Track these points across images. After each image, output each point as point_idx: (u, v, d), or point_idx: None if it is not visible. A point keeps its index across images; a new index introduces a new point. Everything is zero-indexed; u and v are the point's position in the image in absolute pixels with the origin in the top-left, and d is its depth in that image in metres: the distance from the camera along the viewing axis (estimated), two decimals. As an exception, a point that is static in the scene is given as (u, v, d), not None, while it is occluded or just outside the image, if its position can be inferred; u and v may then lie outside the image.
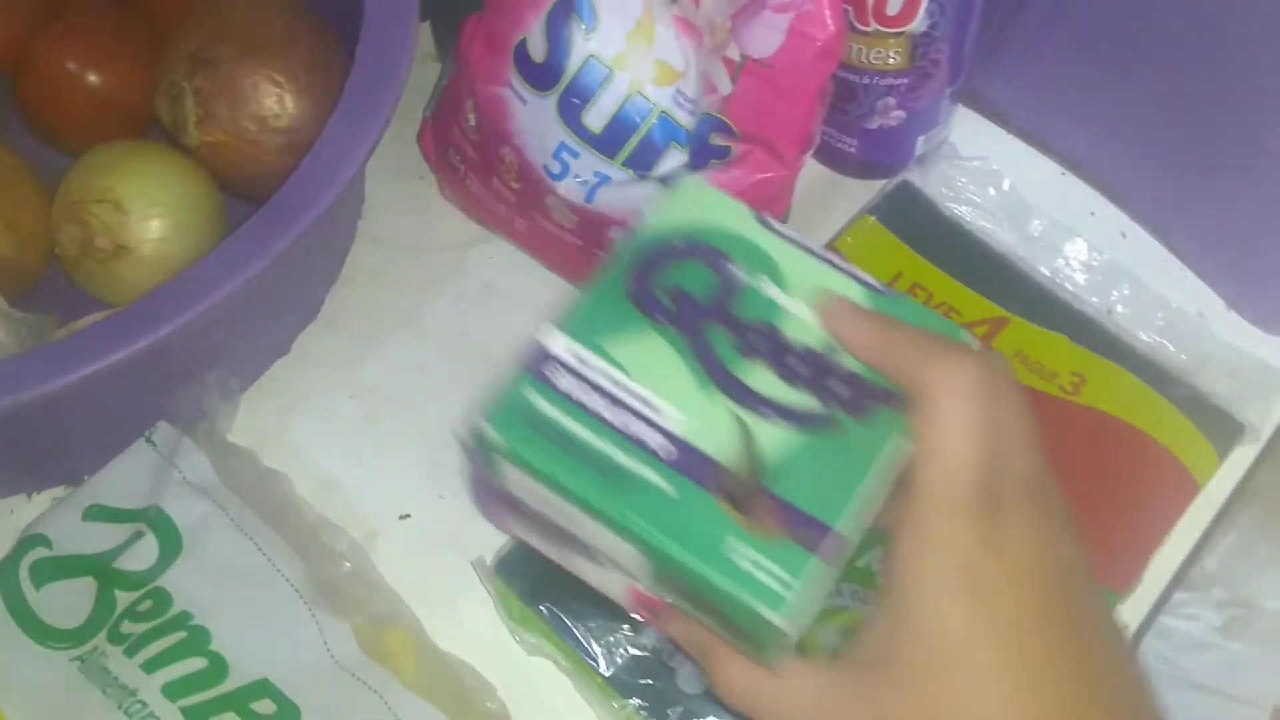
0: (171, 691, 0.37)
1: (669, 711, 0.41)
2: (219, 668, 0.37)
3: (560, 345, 0.33)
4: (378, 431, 0.50)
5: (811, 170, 0.57)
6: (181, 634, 0.38)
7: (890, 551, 0.31)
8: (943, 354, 0.31)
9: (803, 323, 0.34)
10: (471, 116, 0.49)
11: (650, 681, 0.41)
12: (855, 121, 0.54)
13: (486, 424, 0.32)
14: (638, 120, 0.46)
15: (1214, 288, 0.54)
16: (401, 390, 0.51)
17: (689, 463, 0.31)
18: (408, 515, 0.48)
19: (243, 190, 0.51)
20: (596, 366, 0.33)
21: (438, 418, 0.50)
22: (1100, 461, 0.47)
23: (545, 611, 0.42)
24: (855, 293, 0.34)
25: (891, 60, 0.50)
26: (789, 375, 0.33)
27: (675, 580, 0.32)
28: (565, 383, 0.33)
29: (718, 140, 0.45)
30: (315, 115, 0.49)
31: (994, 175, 0.53)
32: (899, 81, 0.51)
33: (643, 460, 0.31)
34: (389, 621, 0.41)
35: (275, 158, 0.49)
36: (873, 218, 0.52)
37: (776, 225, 0.35)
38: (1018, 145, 0.58)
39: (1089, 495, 0.46)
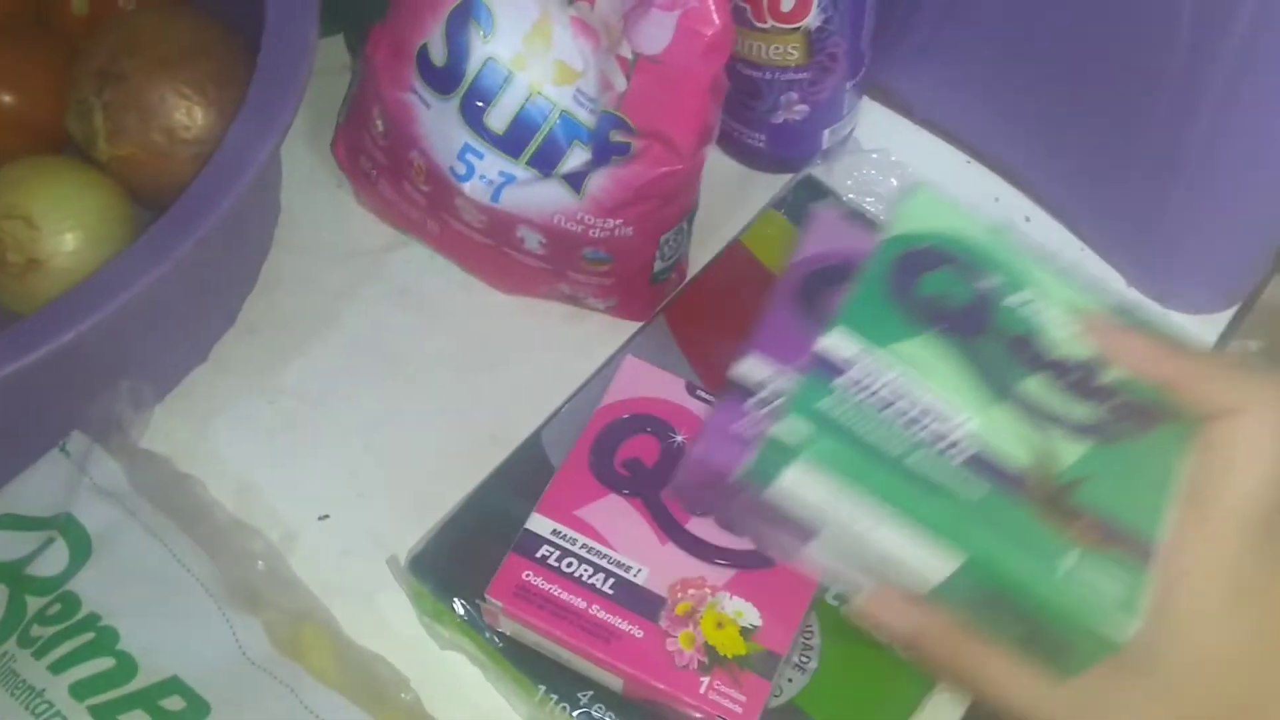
0: (79, 691, 0.37)
1: (579, 695, 0.42)
2: (127, 667, 0.38)
3: (842, 343, 0.31)
4: (297, 435, 0.50)
5: (724, 166, 0.58)
6: (89, 635, 0.38)
7: (1164, 559, 0.31)
8: (1247, 375, 0.32)
9: (1064, 336, 0.33)
10: (379, 122, 0.50)
11: (560, 667, 0.42)
12: (761, 117, 0.55)
13: (786, 428, 0.30)
14: (539, 120, 0.47)
15: (1115, 266, 0.56)
16: (320, 394, 0.51)
17: (990, 469, 0.30)
18: (327, 516, 0.48)
19: (156, 202, 0.52)
20: (884, 368, 0.31)
21: (357, 420, 0.51)
22: None
23: (458, 606, 0.43)
24: (1096, 303, 0.34)
25: (790, 55, 0.51)
26: (1064, 388, 0.32)
27: (988, 588, 0.30)
28: (850, 382, 0.31)
29: (617, 137, 0.46)
30: (225, 126, 0.49)
31: (895, 166, 0.55)
32: (800, 76, 0.52)
33: (943, 465, 0.30)
34: (303, 618, 0.41)
35: (186, 169, 0.50)
36: (777, 212, 0.53)
37: (1008, 233, 0.35)
38: (923, 135, 0.59)
39: None
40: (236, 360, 0.52)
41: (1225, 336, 0.56)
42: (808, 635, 0.43)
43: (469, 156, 0.47)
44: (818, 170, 0.55)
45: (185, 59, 0.50)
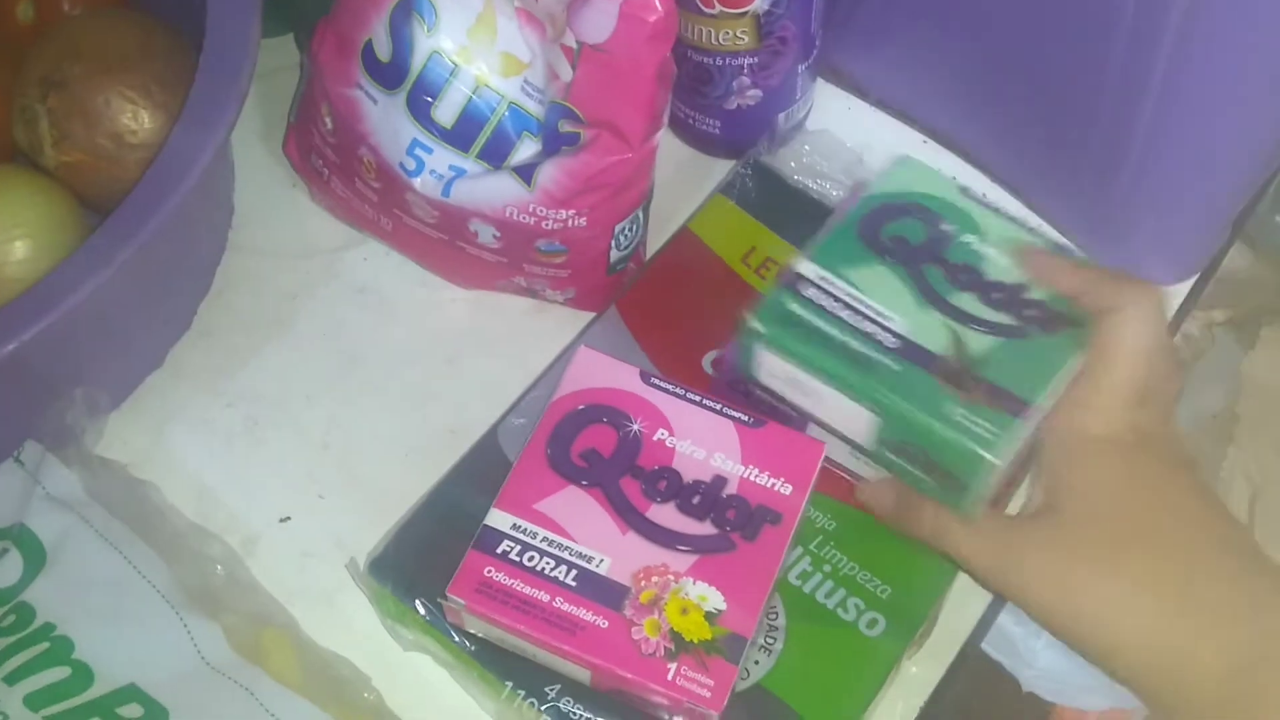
0: (34, 702, 0.37)
1: (546, 690, 0.42)
2: (83, 676, 0.37)
3: (808, 268, 0.43)
4: (256, 438, 0.50)
5: (679, 152, 0.58)
6: (44, 645, 0.38)
7: (1052, 426, 0.41)
8: (1133, 283, 0.42)
9: (1000, 266, 0.44)
10: (328, 120, 0.49)
11: (525, 663, 0.42)
12: (715, 103, 0.55)
13: (754, 319, 0.42)
14: (487, 112, 0.47)
15: (1072, 241, 0.56)
16: (279, 396, 0.51)
17: (913, 352, 0.41)
18: (288, 518, 0.48)
19: (105, 207, 0.51)
20: (836, 284, 0.43)
21: (315, 422, 0.50)
22: None
23: (420, 607, 0.42)
24: (1039, 244, 0.45)
25: (740, 40, 0.51)
26: (991, 301, 0.43)
27: (901, 437, 0.41)
28: (812, 293, 0.43)
29: (566, 127, 0.46)
30: (171, 129, 0.49)
31: (839, 145, 0.54)
32: (750, 61, 0.52)
33: (876, 349, 0.41)
34: (264, 621, 0.41)
35: (135, 173, 0.49)
36: (725, 196, 0.53)
37: (975, 194, 0.46)
38: (879, 116, 0.59)
39: None
40: (192, 364, 0.51)
41: (1184, 308, 0.56)
42: (772, 617, 0.43)
43: (418, 151, 0.47)
44: (764, 153, 0.54)
45: (130, 62, 0.50)
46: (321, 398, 0.51)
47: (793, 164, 0.55)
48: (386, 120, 0.47)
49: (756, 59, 0.52)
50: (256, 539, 0.47)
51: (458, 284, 0.53)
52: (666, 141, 0.58)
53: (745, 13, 0.50)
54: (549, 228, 0.47)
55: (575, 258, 0.49)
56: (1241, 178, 0.52)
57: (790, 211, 0.53)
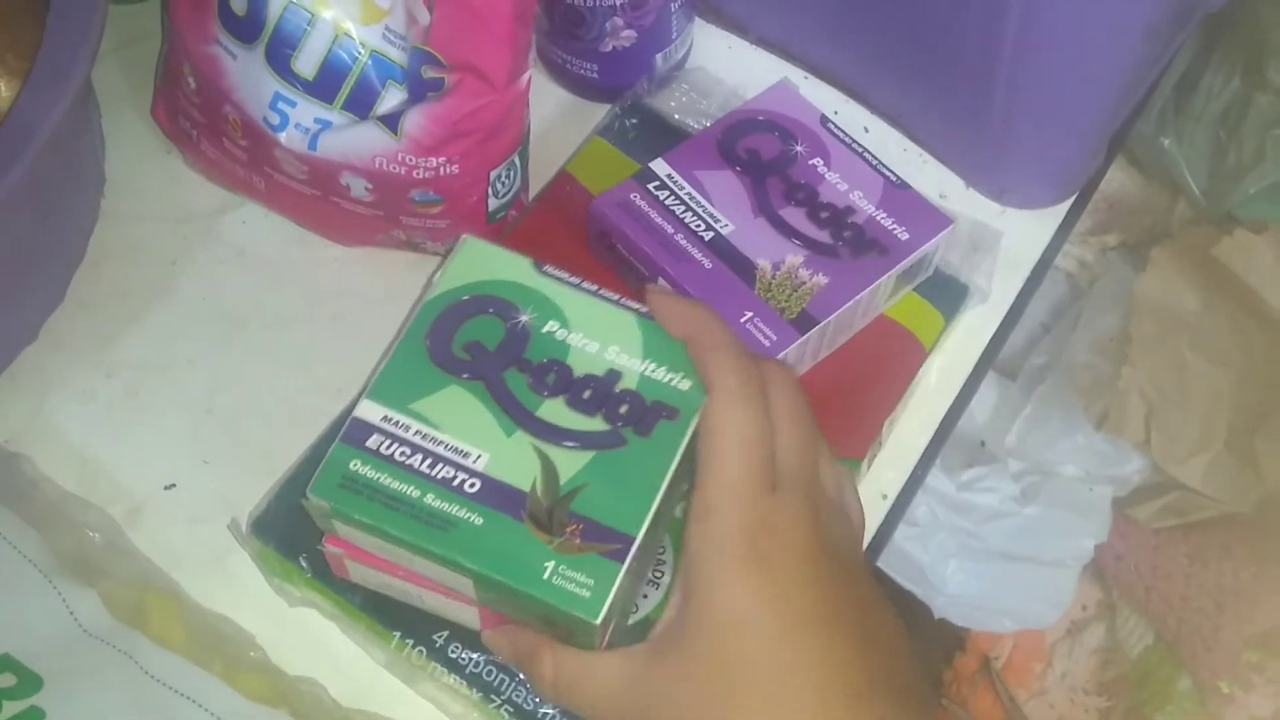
0: (-100, 679, 0.36)
1: (434, 638, 0.42)
2: (-49, 649, 0.37)
3: (372, 413, 0.37)
4: (138, 406, 0.49)
5: (558, 98, 0.58)
6: (-91, 621, 0.37)
7: (683, 535, 0.35)
8: (723, 353, 0.36)
9: (586, 355, 0.38)
10: (191, 80, 0.49)
11: (412, 612, 0.42)
12: (590, 46, 0.54)
13: (311, 494, 0.36)
14: (349, 61, 0.46)
15: (953, 169, 0.56)
16: (160, 363, 0.50)
17: (498, 496, 0.36)
18: (173, 485, 0.47)
19: (-32, 180, 0.50)
20: (407, 425, 0.37)
21: (198, 387, 0.50)
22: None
23: (303, 563, 0.42)
24: (630, 324, 0.39)
25: (609, -20, 0.51)
26: (579, 404, 0.38)
27: (502, 598, 0.37)
28: (380, 444, 0.37)
29: (429, 73, 0.45)
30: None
31: (717, 83, 0.54)
32: (622, 2, 0.52)
33: (456, 501, 0.36)
34: (144, 587, 0.41)
35: (-7, 142, 0.48)
36: (602, 139, 0.53)
37: (554, 271, 0.40)
38: (759, 54, 0.59)
39: (819, 374, 0.48)
40: (70, 336, 0.50)
41: (1065, 228, 0.57)
42: (660, 552, 0.43)
43: (281, 105, 0.46)
44: (642, 93, 0.54)
45: (-19, 29, 0.48)
46: (204, 363, 0.50)
47: (672, 104, 0.55)
48: (247, 75, 0.46)
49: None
50: (141, 508, 0.47)
51: (338, 241, 0.53)
52: (546, 87, 0.58)
53: (610, -49, 0.50)
54: (421, 177, 0.47)
55: (452, 207, 0.49)
56: (1111, 96, 0.52)
57: (667, 149, 0.53)
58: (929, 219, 0.48)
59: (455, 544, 0.36)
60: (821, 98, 0.58)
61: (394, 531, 0.36)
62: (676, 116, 0.54)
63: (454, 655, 0.42)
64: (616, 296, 0.39)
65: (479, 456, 0.37)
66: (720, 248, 0.47)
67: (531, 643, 0.38)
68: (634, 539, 0.36)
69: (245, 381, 0.50)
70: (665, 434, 0.37)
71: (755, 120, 0.50)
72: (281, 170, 0.48)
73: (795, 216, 0.48)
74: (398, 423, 0.37)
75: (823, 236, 0.47)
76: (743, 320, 0.45)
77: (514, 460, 0.37)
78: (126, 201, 0.54)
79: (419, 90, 0.46)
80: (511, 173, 0.50)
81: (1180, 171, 0.71)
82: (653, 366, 0.38)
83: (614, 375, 0.38)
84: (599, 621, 0.35)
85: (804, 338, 0.45)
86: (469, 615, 0.40)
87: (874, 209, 0.48)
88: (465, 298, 0.39)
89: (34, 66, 0.43)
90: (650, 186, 0.48)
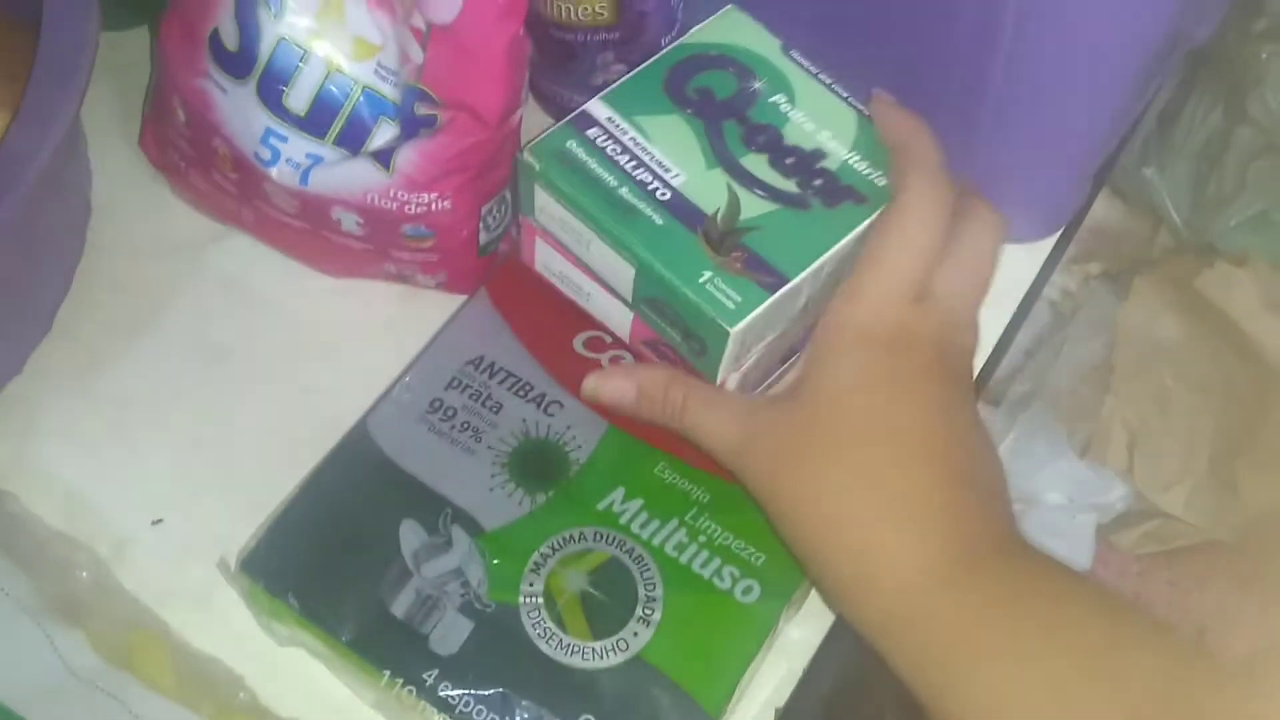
0: (-116, 726, 0.36)
1: (424, 676, 0.41)
2: (-62, 695, 0.37)
3: (598, 108, 0.43)
4: (124, 440, 0.49)
5: (546, 124, 0.57)
6: (-105, 667, 0.37)
7: (823, 313, 0.40)
8: (925, 168, 0.41)
9: (802, 131, 0.43)
10: (180, 112, 0.48)
11: (402, 650, 0.41)
12: (580, 79, 0.54)
13: (529, 154, 0.42)
14: (341, 98, 0.46)
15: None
16: (147, 396, 0.50)
17: (682, 209, 0.41)
18: (160, 520, 0.47)
19: (-46, 211, 0.50)
20: (624, 129, 0.42)
21: (187, 419, 0.50)
22: None
23: (293, 601, 0.42)
24: (849, 117, 0.44)
25: (600, 15, 0.51)
26: (780, 165, 0.42)
27: (655, 295, 0.41)
28: (597, 136, 0.42)
29: (422, 110, 0.45)
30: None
31: None
32: (612, 35, 0.52)
33: (646, 200, 0.41)
34: (132, 626, 0.40)
35: (-20, 174, 0.48)
36: None
37: (798, 57, 0.45)
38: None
39: None
40: (55, 369, 0.50)
41: (1051, 261, 0.57)
42: (650, 587, 0.43)
43: (272, 140, 0.46)
44: None
45: (-32, 59, 0.48)
46: (192, 396, 0.50)
47: None
48: (238, 110, 0.46)
49: (618, 34, 0.52)
50: (128, 544, 0.46)
51: (327, 273, 0.53)
52: (537, 117, 0.58)
53: (602, -13, 0.50)
54: (412, 212, 0.47)
55: (443, 241, 0.49)
56: (1097, 132, 0.53)
57: None
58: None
59: (632, 231, 0.40)
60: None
61: (584, 203, 0.41)
62: None
63: (444, 694, 0.41)
64: (846, 94, 0.45)
65: (677, 174, 0.41)
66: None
67: (667, 374, 0.42)
68: (788, 280, 0.40)
69: (233, 416, 0.50)
70: (848, 212, 0.42)
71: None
72: (272, 204, 0.48)
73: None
74: (618, 125, 0.42)
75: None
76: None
77: (706, 187, 0.41)
78: (113, 231, 0.53)
79: (411, 126, 0.46)
80: (502, 206, 0.50)
81: (1162, 201, 0.71)
82: (857, 158, 0.43)
83: (819, 153, 0.43)
84: (735, 329, 0.39)
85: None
86: (623, 322, 0.45)
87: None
88: (713, 53, 0.44)
89: (24, 100, 0.42)
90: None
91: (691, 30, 0.44)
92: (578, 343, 0.48)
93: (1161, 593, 0.74)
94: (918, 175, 0.40)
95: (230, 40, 0.45)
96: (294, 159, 0.46)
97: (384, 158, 0.46)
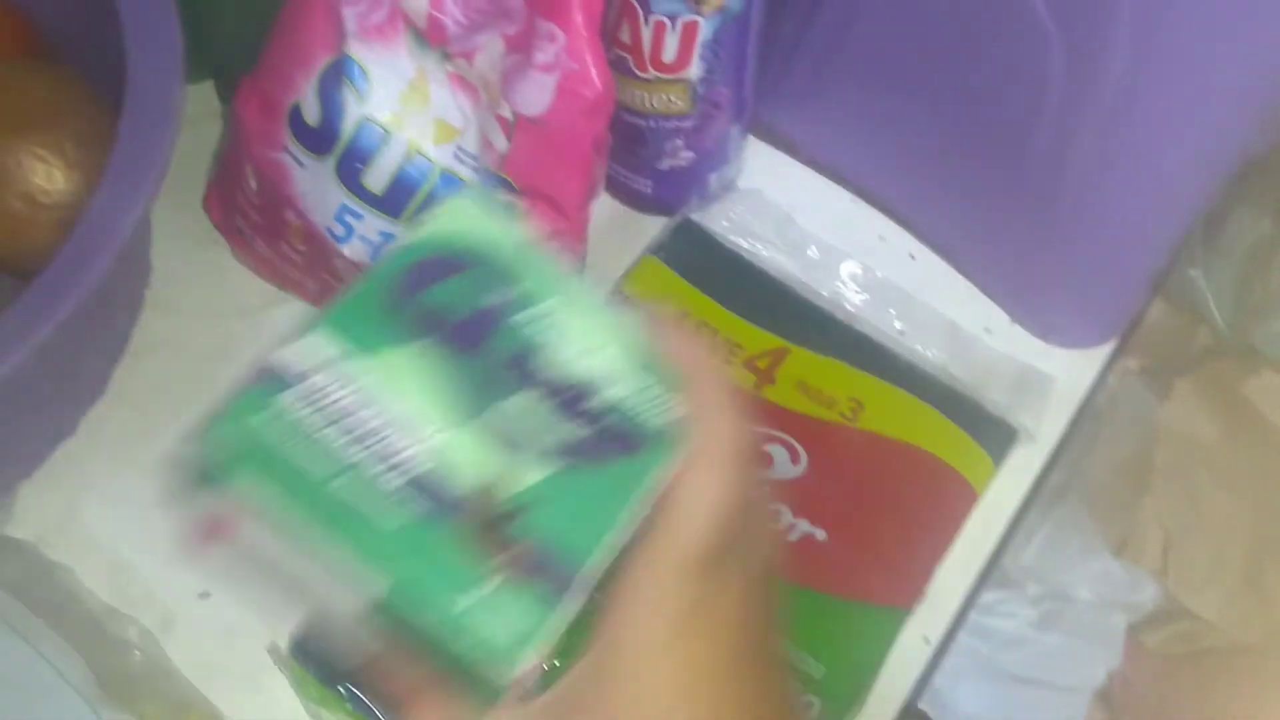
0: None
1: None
2: (-8, 784, 0.36)
3: (305, 356, 0.29)
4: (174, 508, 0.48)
5: (609, 208, 0.57)
6: (-51, 752, 0.36)
7: (610, 597, 0.31)
8: (723, 414, 0.32)
9: (568, 356, 0.32)
10: (252, 181, 0.48)
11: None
12: (647, 163, 0.54)
13: (206, 438, 0.28)
14: (419, 179, 0.46)
15: (998, 303, 0.56)
16: (199, 463, 0.49)
17: (432, 493, 0.28)
18: (208, 594, 0.46)
19: (17, 269, 0.49)
20: (343, 381, 0.29)
21: (238, 489, 0.49)
22: (881, 483, 0.48)
23: (344, 691, 0.41)
24: (618, 329, 0.33)
25: (674, 105, 0.51)
26: (549, 409, 0.31)
27: (399, 630, 0.29)
28: (305, 398, 0.28)
29: (500, 196, 0.45)
30: (88, 188, 0.47)
31: (770, 205, 0.55)
32: (684, 124, 0.52)
33: (379, 489, 0.28)
34: (184, 709, 0.40)
35: (48, 235, 0.47)
36: (655, 257, 0.53)
37: (550, 255, 0.33)
38: (808, 174, 0.59)
39: (872, 518, 0.48)
40: (107, 432, 0.49)
41: (1106, 369, 0.57)
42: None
43: (347, 217, 0.46)
44: (694, 212, 0.54)
45: (42, 119, 0.48)
46: (244, 465, 0.50)
47: (725, 223, 0.55)
48: (315, 185, 0.46)
49: (690, 122, 0.52)
50: (174, 617, 0.45)
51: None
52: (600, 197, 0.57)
53: (680, 79, 0.50)
54: (481, 295, 0.46)
55: (507, 323, 0.48)
56: (1166, 244, 0.53)
57: (722, 273, 0.53)
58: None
59: (365, 544, 0.27)
60: (868, 223, 0.58)
61: (289, 508, 0.28)
62: (731, 238, 0.54)
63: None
64: (615, 302, 0.35)
65: (419, 442, 0.29)
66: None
67: (412, 687, 0.32)
68: (574, 576, 0.29)
69: (285, 487, 0.49)
70: (633, 466, 0.31)
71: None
72: (339, 278, 0.48)
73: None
74: (334, 373, 0.29)
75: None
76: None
77: (458, 457, 0.29)
78: (170, 293, 0.53)
79: (487, 211, 0.45)
80: (568, 290, 0.50)
81: (1206, 303, 0.71)
82: (638, 388, 0.32)
83: (591, 386, 0.32)
84: (520, 669, 0.28)
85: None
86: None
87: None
88: (450, 254, 0.32)
89: (107, 172, 0.42)
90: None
91: (421, 222, 0.33)
92: None
93: (1187, 694, 0.73)
94: (717, 426, 0.32)
95: (312, 116, 0.45)
96: (368, 236, 0.46)
97: (459, 241, 0.45)
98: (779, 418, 0.49)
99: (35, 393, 0.45)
